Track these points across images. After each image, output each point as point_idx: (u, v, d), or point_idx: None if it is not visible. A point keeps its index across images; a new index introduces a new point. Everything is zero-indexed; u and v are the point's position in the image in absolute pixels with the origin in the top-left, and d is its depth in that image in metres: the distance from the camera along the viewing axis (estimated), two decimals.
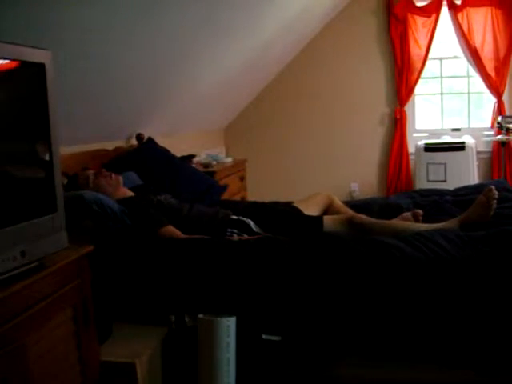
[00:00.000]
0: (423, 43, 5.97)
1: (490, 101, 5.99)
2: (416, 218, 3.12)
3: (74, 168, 3.22)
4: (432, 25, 5.92)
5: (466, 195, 3.56)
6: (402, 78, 6.07)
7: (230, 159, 5.65)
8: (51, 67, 1.78)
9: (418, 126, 6.36)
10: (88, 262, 2.04)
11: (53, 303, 1.80)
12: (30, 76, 1.74)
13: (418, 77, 6.06)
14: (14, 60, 1.64)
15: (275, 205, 3.48)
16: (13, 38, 1.66)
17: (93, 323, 2.07)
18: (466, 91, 6.27)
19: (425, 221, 3.10)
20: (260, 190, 6.00)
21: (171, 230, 2.86)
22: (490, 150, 6.07)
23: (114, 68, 3.18)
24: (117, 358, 2.27)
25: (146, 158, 3.91)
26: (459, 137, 6.04)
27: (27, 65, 1.70)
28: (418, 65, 6.03)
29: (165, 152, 4.14)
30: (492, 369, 2.38)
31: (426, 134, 6.24)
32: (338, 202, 3.50)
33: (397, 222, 3.06)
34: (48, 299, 1.77)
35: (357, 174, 6.41)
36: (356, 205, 3.62)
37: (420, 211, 3.16)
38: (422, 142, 5.95)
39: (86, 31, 2.62)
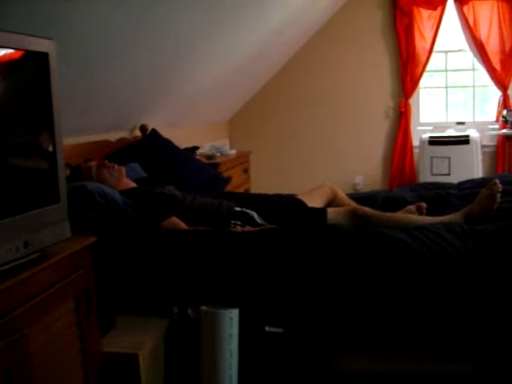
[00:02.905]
0: (428, 36, 5.95)
1: (496, 94, 5.98)
2: (420, 211, 3.11)
3: (77, 159, 3.22)
4: (437, 17, 5.89)
5: (470, 189, 3.55)
6: (407, 71, 6.05)
7: (233, 151, 5.64)
8: (55, 56, 1.77)
9: (422, 120, 6.34)
10: (91, 252, 2.04)
11: (55, 294, 1.79)
12: (34, 65, 1.73)
13: (423, 70, 6.04)
14: (17, 49, 1.63)
15: (279, 197, 3.48)
16: (17, 28, 1.64)
17: (95, 314, 2.07)
18: (471, 85, 6.25)
19: (428, 214, 3.09)
20: (264, 182, 6.00)
21: (175, 221, 2.86)
22: (495, 143, 6.06)
23: (118, 59, 3.16)
24: (119, 349, 2.27)
25: (150, 150, 3.90)
26: (464, 130, 6.02)
27: (31, 54, 1.69)
28: (423, 58, 6.00)
29: (168, 143, 4.13)
30: (493, 363, 2.38)
31: (430, 128, 6.22)
32: (342, 195, 3.50)
33: (400, 215, 3.06)
34: (50, 290, 1.76)
35: (361, 166, 6.40)
36: (360, 197, 3.61)
37: (424, 204, 3.15)
38: (426, 136, 5.94)
39: (90, 21, 2.61)
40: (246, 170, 5.63)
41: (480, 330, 2.34)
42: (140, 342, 2.34)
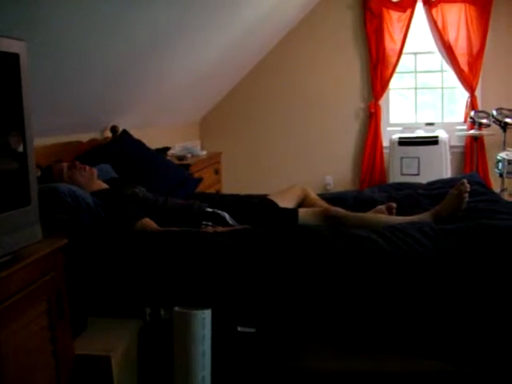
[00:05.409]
0: (398, 38, 6.02)
1: (463, 96, 6.08)
2: (390, 211, 3.14)
3: (48, 160, 3.19)
4: (407, 20, 5.97)
5: (438, 189, 3.60)
6: (377, 72, 6.11)
7: (204, 152, 5.63)
8: (26, 57, 1.75)
9: (392, 120, 6.41)
10: (62, 255, 2.03)
11: (27, 297, 1.78)
12: (4, 66, 1.71)
13: (393, 71, 6.11)
14: None
15: (250, 197, 3.49)
16: None
17: (67, 317, 2.05)
18: (440, 86, 6.34)
19: (398, 214, 3.12)
20: (235, 183, 6.00)
21: (147, 222, 2.85)
22: (463, 144, 6.15)
23: (89, 59, 3.14)
24: (91, 352, 2.25)
25: (121, 151, 3.88)
26: (433, 131, 6.10)
27: (1, 55, 1.67)
28: (393, 59, 6.07)
29: (140, 144, 4.12)
30: (462, 360, 2.41)
31: (399, 128, 6.30)
32: (313, 195, 3.51)
33: (371, 215, 3.09)
34: (22, 293, 1.75)
35: (331, 167, 6.44)
36: (330, 197, 3.63)
37: (394, 204, 3.19)
38: (395, 136, 6.01)
39: (60, 21, 2.59)
40: (217, 171, 5.63)
41: (448, 326, 2.38)
42: (112, 344, 2.32)
